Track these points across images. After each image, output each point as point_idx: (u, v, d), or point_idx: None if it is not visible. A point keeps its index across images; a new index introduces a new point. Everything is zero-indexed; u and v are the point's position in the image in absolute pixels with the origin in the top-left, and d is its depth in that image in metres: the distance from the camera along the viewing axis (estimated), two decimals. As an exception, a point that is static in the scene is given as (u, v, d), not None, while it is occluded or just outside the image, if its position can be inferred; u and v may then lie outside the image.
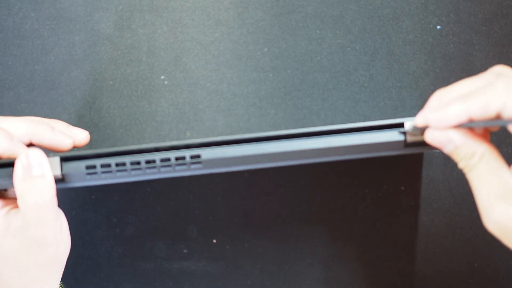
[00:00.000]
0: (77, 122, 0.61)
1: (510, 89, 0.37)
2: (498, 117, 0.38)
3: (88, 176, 0.44)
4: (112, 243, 0.63)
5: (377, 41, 0.61)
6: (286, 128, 0.61)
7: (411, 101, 0.61)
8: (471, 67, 0.61)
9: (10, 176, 0.43)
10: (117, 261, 0.64)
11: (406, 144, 0.44)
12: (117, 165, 0.44)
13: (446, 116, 0.40)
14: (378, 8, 0.61)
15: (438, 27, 0.61)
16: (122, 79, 0.61)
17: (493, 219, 0.39)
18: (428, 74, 0.61)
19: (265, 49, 0.61)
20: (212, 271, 0.64)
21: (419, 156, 0.62)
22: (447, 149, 0.41)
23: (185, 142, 0.45)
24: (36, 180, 0.42)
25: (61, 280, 0.51)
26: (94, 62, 0.61)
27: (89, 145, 0.61)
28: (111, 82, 0.61)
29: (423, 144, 0.44)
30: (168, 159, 0.44)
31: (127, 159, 0.44)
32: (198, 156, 0.44)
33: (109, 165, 0.44)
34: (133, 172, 0.45)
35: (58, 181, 0.44)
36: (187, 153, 0.44)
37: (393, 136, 0.45)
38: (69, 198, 0.62)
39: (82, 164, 0.44)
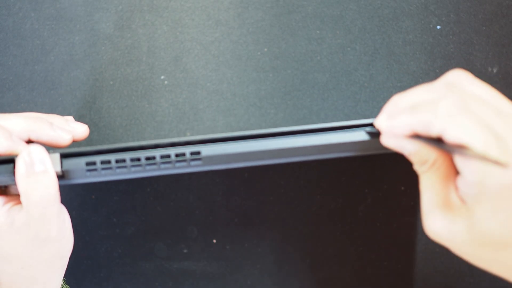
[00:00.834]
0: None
1: (452, 112, 0.36)
2: (439, 139, 0.38)
3: (88, 173, 0.44)
4: (112, 243, 0.63)
5: (377, 41, 0.61)
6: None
7: (411, 100, 0.61)
8: (471, 67, 0.61)
9: (11, 172, 0.43)
10: (117, 261, 0.63)
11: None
12: (117, 161, 0.44)
13: (394, 127, 0.40)
14: (378, 8, 0.61)
15: (438, 27, 0.61)
16: (122, 79, 0.61)
17: (429, 226, 0.39)
18: (428, 74, 0.61)
19: (265, 49, 0.61)
20: (212, 271, 0.64)
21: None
22: (404, 153, 0.41)
23: (185, 138, 0.45)
24: (39, 176, 0.42)
25: (63, 281, 0.51)
26: (94, 62, 0.61)
27: (89, 145, 0.61)
28: (111, 82, 0.61)
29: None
30: (168, 156, 0.44)
31: (127, 155, 0.44)
32: (198, 153, 0.44)
33: (109, 162, 0.44)
34: (133, 169, 0.45)
35: (58, 177, 0.44)
36: (187, 150, 0.44)
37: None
38: (69, 198, 0.62)
39: (82, 160, 0.44)
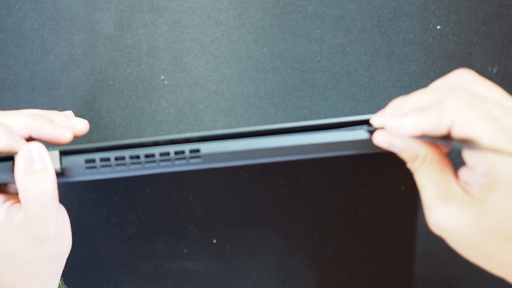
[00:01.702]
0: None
1: (458, 106, 0.37)
2: (449, 135, 0.38)
3: (88, 170, 0.44)
4: (112, 243, 0.63)
5: (377, 41, 0.61)
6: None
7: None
8: (471, 67, 0.61)
9: (10, 170, 0.42)
10: (117, 261, 0.63)
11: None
12: (116, 159, 0.44)
13: (402, 127, 0.40)
14: (378, 8, 0.61)
15: (438, 27, 0.61)
16: (122, 79, 0.61)
17: (433, 220, 0.39)
18: (428, 74, 0.61)
19: (265, 49, 0.61)
20: (212, 271, 0.64)
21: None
22: (394, 151, 0.42)
23: (184, 135, 0.45)
24: (38, 174, 0.42)
25: (61, 281, 0.51)
26: (94, 62, 0.61)
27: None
28: (111, 82, 0.61)
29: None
30: (168, 153, 0.44)
31: (127, 153, 0.44)
32: (198, 151, 0.44)
33: (108, 159, 0.44)
34: (132, 167, 0.44)
35: (57, 175, 0.44)
36: (186, 148, 0.44)
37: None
38: (69, 198, 0.62)
39: (82, 158, 0.44)
